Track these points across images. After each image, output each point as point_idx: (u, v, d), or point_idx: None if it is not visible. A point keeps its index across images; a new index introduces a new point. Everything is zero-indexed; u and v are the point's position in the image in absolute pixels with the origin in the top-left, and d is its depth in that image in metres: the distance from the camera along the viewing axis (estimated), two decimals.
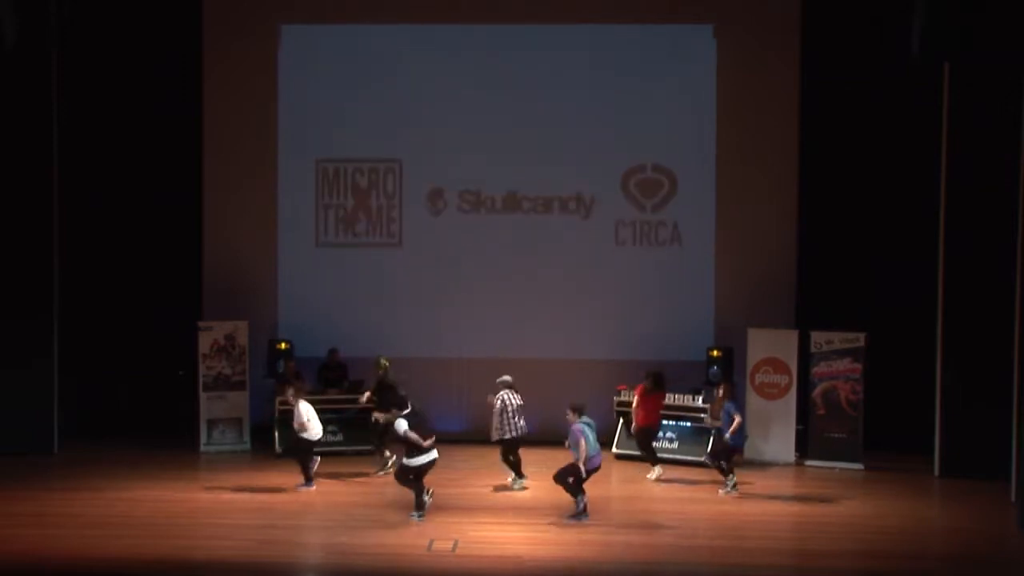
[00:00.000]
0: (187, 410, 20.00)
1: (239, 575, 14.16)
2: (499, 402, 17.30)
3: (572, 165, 20.57)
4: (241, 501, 16.83)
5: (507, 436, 17.29)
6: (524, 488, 17.39)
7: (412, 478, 15.96)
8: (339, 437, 19.38)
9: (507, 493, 17.32)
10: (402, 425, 15.88)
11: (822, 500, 17.12)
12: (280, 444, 19.09)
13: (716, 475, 17.97)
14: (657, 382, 18.25)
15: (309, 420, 17.29)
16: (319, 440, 17.49)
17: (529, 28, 20.54)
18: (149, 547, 14.72)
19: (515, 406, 17.32)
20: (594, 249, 20.60)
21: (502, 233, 20.65)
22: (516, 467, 17.51)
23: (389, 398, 17.58)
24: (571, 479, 16.01)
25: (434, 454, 15.93)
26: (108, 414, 20.46)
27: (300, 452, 17.40)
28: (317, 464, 17.39)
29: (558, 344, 20.45)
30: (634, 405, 18.29)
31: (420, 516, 15.78)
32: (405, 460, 15.98)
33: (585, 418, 16.08)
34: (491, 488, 17.40)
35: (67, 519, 15.80)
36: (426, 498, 15.87)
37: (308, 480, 17.30)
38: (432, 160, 20.67)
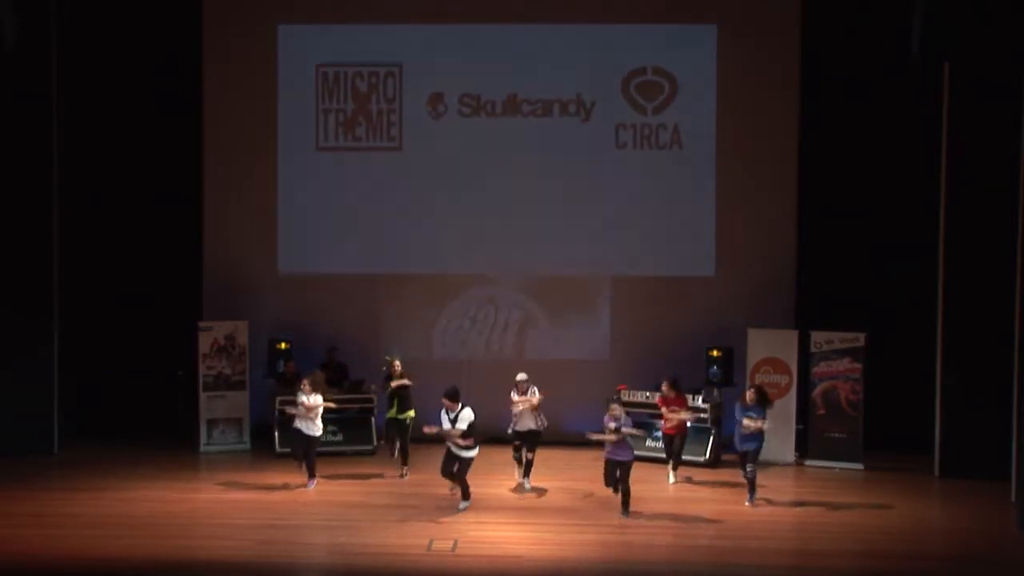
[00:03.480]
0: (187, 410, 20.01)
1: (239, 575, 14.17)
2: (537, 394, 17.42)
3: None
4: (241, 501, 16.84)
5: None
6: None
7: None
8: (339, 437, 19.37)
9: (506, 493, 17.30)
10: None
11: (822, 500, 17.12)
12: (280, 444, 19.07)
13: (715, 476, 18.00)
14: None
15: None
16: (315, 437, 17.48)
17: (530, 28, 20.58)
18: (149, 547, 14.74)
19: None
20: (594, 235, 20.62)
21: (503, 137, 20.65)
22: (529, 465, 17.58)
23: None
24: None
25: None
26: (108, 414, 20.43)
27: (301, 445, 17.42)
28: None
29: (558, 344, 20.48)
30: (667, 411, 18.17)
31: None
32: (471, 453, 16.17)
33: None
34: (491, 488, 17.38)
35: (67, 519, 15.81)
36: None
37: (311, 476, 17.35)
38: (432, 65, 20.64)
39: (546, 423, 17.54)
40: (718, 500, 17.11)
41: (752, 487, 16.76)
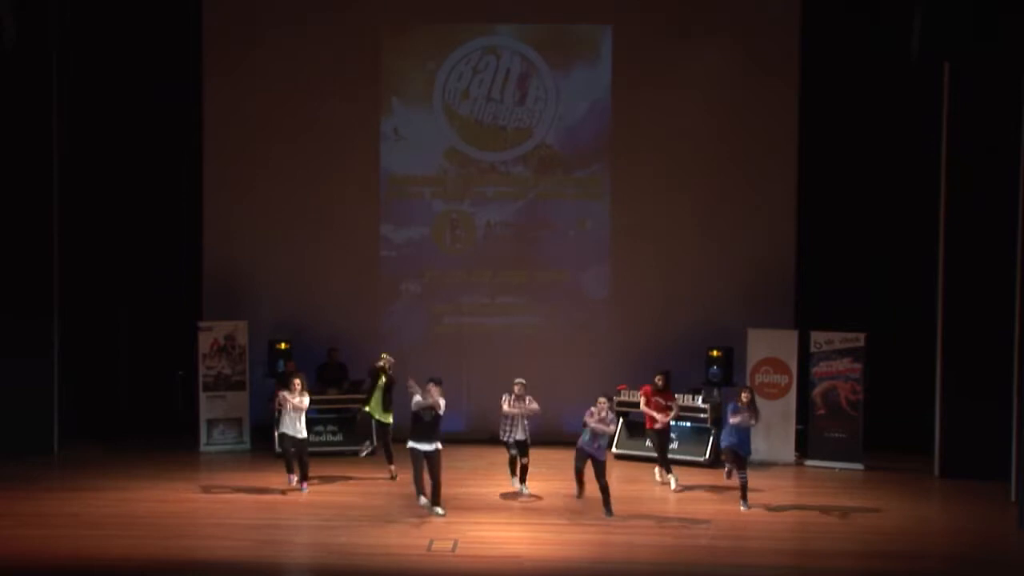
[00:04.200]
0: (187, 410, 20.02)
1: (239, 575, 14.17)
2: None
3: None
4: (241, 501, 16.84)
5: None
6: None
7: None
8: (339, 437, 19.38)
9: (506, 494, 17.29)
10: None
11: (822, 500, 17.12)
12: (280, 444, 19.04)
13: (715, 476, 18.00)
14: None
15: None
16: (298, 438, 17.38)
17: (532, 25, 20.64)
18: (149, 547, 14.74)
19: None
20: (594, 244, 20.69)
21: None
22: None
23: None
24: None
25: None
26: (108, 414, 20.46)
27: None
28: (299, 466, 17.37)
29: (558, 344, 20.49)
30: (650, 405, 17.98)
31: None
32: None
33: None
34: (491, 488, 17.37)
35: (67, 519, 15.81)
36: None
37: (301, 478, 17.30)
38: None
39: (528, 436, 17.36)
40: (718, 500, 17.09)
41: (744, 491, 16.68)
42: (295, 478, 17.18)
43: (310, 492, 17.13)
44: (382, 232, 20.66)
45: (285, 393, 17.20)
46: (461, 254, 20.71)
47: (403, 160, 20.70)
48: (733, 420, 16.66)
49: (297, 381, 17.24)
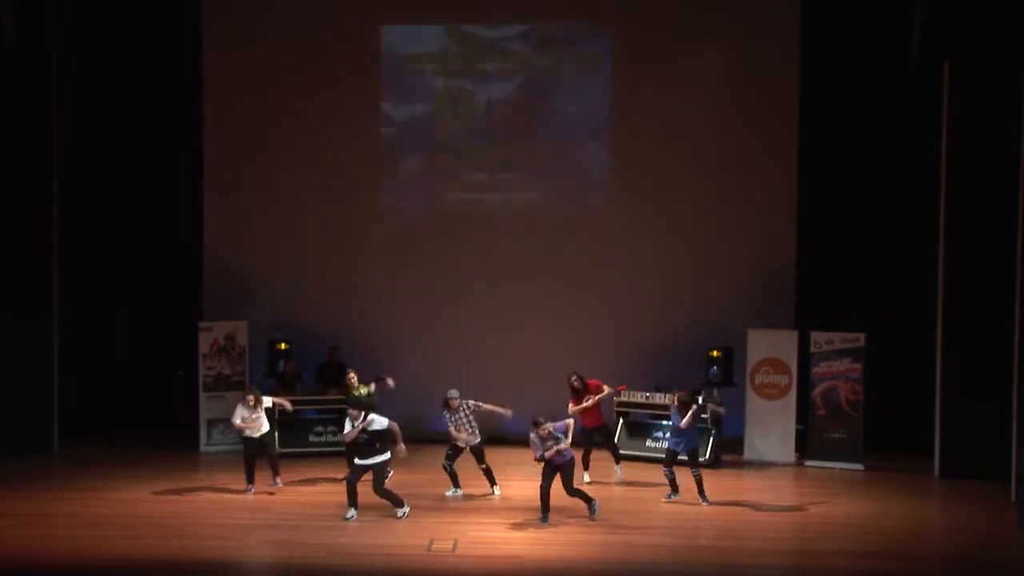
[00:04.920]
0: (187, 410, 20.02)
1: (239, 575, 14.16)
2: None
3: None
4: (241, 501, 16.85)
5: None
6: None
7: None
8: (339, 437, 19.34)
9: (506, 494, 17.28)
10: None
11: (822, 500, 17.12)
12: (279, 445, 19.04)
13: (716, 476, 17.99)
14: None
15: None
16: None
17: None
18: (149, 547, 14.74)
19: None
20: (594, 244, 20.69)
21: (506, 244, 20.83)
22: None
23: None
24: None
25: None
26: (108, 414, 20.45)
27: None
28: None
29: (557, 345, 20.46)
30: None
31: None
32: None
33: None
34: (491, 489, 17.36)
35: (67, 519, 15.81)
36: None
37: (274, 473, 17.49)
38: None
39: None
40: (718, 500, 17.09)
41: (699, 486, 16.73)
42: (252, 488, 17.21)
43: (310, 492, 17.13)
44: (384, 109, 20.65)
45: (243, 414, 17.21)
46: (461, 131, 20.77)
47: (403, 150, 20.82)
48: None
49: (251, 397, 17.23)
